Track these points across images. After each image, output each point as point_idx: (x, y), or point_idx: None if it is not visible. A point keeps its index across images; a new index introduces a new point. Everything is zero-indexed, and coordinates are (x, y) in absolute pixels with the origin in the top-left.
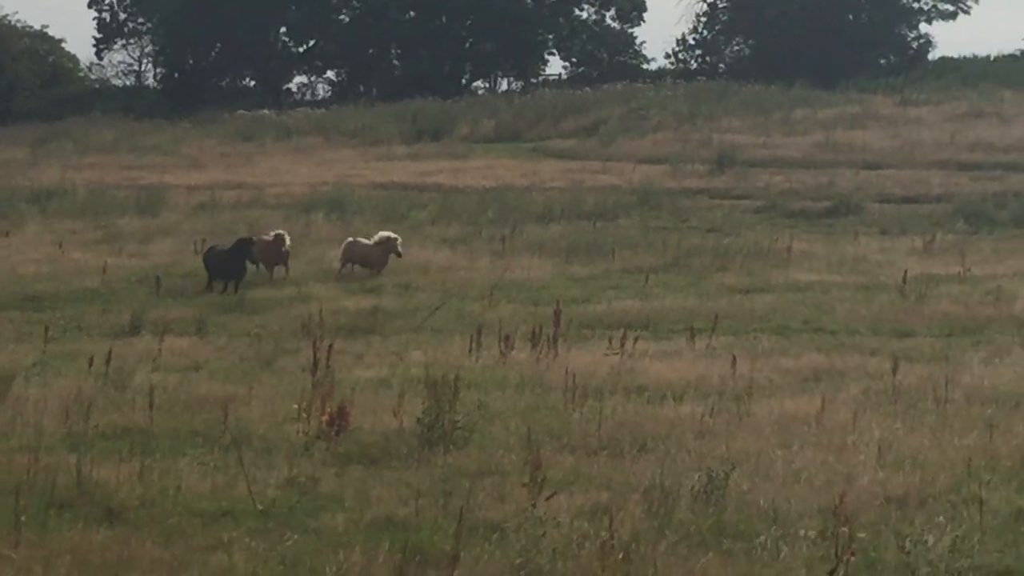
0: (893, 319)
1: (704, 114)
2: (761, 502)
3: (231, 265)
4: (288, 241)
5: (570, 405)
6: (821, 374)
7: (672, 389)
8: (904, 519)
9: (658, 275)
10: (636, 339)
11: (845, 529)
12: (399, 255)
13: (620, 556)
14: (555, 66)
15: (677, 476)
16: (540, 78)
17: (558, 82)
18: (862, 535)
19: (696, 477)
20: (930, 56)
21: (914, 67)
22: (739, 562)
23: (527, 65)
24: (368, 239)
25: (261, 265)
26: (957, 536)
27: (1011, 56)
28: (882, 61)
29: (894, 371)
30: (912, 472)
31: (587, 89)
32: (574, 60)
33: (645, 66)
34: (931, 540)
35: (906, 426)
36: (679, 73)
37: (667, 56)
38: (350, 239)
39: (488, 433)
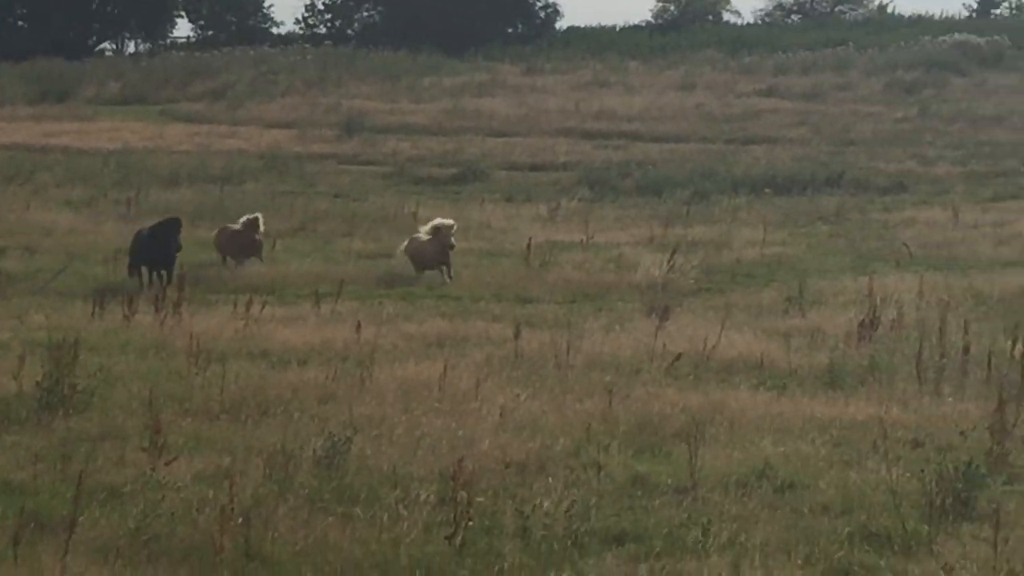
0: (517, 285)
1: (333, 80)
2: (383, 467)
3: (155, 251)
4: (262, 227)
5: (193, 369)
6: (445, 340)
7: (296, 354)
8: (523, 484)
9: (285, 240)
10: (263, 304)
11: (464, 494)
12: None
13: (240, 520)
14: (183, 29)
15: (300, 440)
16: (168, 40)
17: (186, 45)
18: (481, 499)
19: (318, 442)
20: (557, 26)
21: (541, 36)
22: (360, 526)
23: (155, 27)
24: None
25: (229, 258)
26: (575, 500)
27: (636, 27)
28: (510, 30)
29: (516, 337)
30: (532, 437)
31: (216, 52)
32: (203, 23)
33: (275, 30)
34: (549, 504)
35: (527, 392)
36: (309, 38)
37: (297, 21)
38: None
39: (109, 397)
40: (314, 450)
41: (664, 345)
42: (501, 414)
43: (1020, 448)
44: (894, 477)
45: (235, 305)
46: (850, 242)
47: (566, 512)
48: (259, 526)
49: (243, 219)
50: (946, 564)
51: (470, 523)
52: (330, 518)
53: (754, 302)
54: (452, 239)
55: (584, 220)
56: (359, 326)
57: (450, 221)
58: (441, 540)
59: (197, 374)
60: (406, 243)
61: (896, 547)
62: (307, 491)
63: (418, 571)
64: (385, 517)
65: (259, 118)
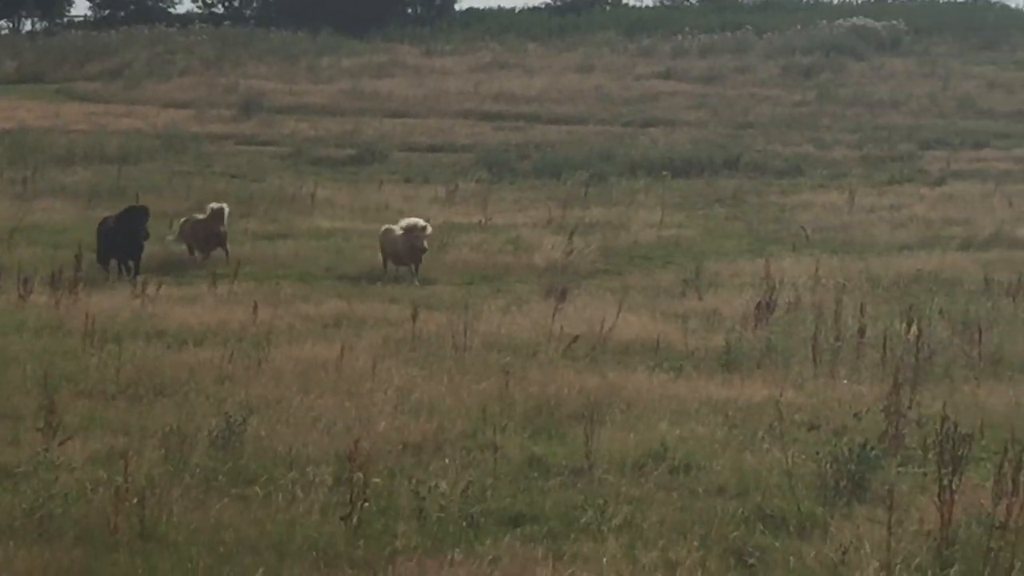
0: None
1: (231, 60)
2: (279, 447)
3: (121, 241)
4: (227, 216)
5: (89, 350)
6: (342, 321)
7: (193, 334)
8: (419, 465)
9: (182, 220)
10: (159, 285)
11: (360, 475)
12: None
13: (135, 501)
14: (81, 7)
15: (196, 421)
16: (65, 19)
17: (83, 23)
18: (377, 480)
19: (214, 422)
20: (456, 7)
21: (441, 17)
22: (255, 507)
23: (52, 5)
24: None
25: (195, 250)
26: (471, 481)
27: (535, 9)
28: (409, 11)
29: (414, 318)
30: (429, 418)
31: (113, 32)
32: (100, 2)
33: (172, 10)
34: (445, 485)
35: (424, 373)
36: (207, 18)
37: (195, 1)
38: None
39: (3, 377)
40: (210, 431)
41: (561, 327)
42: (398, 395)
43: (914, 430)
44: (789, 459)
45: (132, 285)
46: (747, 225)
47: (462, 493)
48: (154, 507)
49: (209, 207)
50: (840, 545)
51: (366, 504)
52: (225, 499)
53: (651, 284)
54: (424, 242)
55: (483, 202)
56: (256, 307)
57: (423, 223)
58: (337, 521)
59: (93, 354)
60: (382, 231)
61: (791, 529)
62: (203, 472)
63: (313, 552)
64: (281, 498)
65: (156, 98)
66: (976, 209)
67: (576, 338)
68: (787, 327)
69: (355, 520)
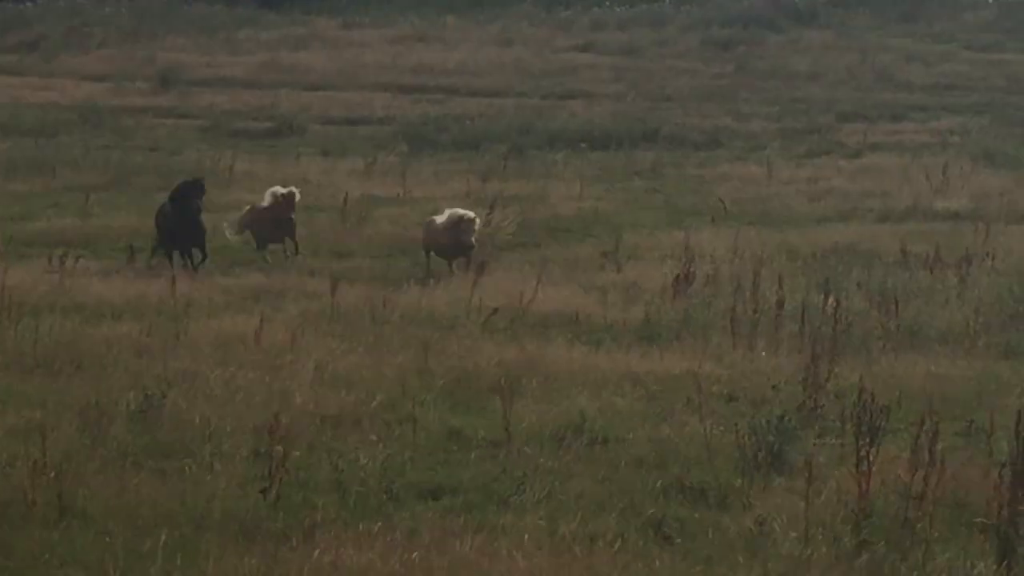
0: (333, 240)
1: (148, 32)
2: (197, 421)
3: (175, 225)
4: (297, 199)
5: (5, 323)
6: (261, 294)
7: (111, 308)
8: (338, 438)
9: (99, 194)
10: (77, 258)
11: (279, 448)
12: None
13: (52, 475)
14: None
15: (113, 395)
16: None
17: None
18: (296, 454)
19: (132, 396)
20: None
21: None
22: (173, 481)
23: None
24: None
25: (261, 239)
26: (390, 454)
27: None
28: None
29: (333, 291)
30: (348, 391)
31: (29, 4)
32: None
33: None
34: (364, 458)
35: (343, 346)
36: None
37: None
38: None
39: None
40: (128, 404)
41: (480, 299)
42: (317, 368)
43: (832, 402)
44: (708, 431)
45: (49, 259)
46: (666, 197)
47: (381, 466)
48: (72, 481)
49: (270, 193)
50: (759, 517)
51: (285, 477)
52: (143, 473)
53: (570, 257)
54: (472, 236)
55: (401, 175)
56: (174, 280)
57: (470, 214)
58: (255, 494)
59: (9, 328)
60: (425, 222)
61: (710, 500)
62: (120, 446)
63: (232, 525)
64: (199, 471)
65: (74, 71)
66: (894, 181)
67: (495, 311)
68: (706, 299)
69: (274, 493)
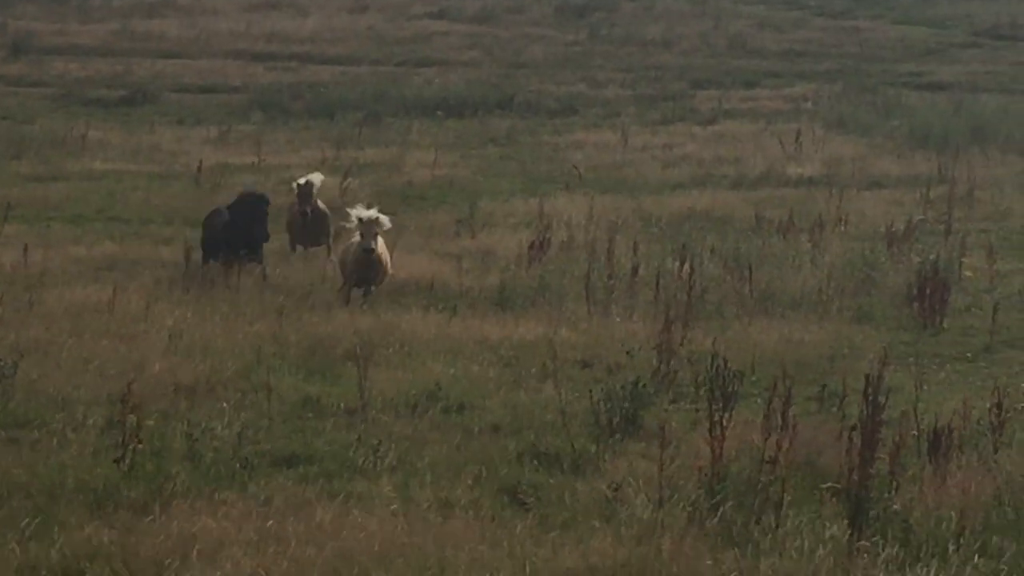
0: (187, 208)
1: None
2: (50, 390)
3: (237, 236)
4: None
5: None
6: (115, 263)
7: None
8: (193, 406)
9: None
10: None
11: (133, 417)
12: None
13: None
14: None
15: None
16: None
17: None
18: (150, 422)
19: None
20: None
21: None
22: (26, 450)
23: None
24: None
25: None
26: (244, 423)
27: None
28: None
29: (187, 260)
30: (202, 360)
31: None
32: None
33: None
34: (218, 427)
35: (198, 314)
36: None
37: None
38: None
39: None
40: None
41: (335, 267)
42: (171, 337)
43: (686, 367)
44: (563, 397)
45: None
46: (521, 164)
47: (236, 434)
48: None
49: (295, 184)
50: (613, 481)
51: (139, 446)
52: None
53: (425, 224)
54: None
55: (256, 143)
56: (26, 249)
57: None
58: (110, 463)
59: None
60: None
61: (565, 466)
62: None
63: (86, 495)
64: (53, 441)
65: None
66: (747, 148)
67: None
68: (561, 266)
69: (128, 462)
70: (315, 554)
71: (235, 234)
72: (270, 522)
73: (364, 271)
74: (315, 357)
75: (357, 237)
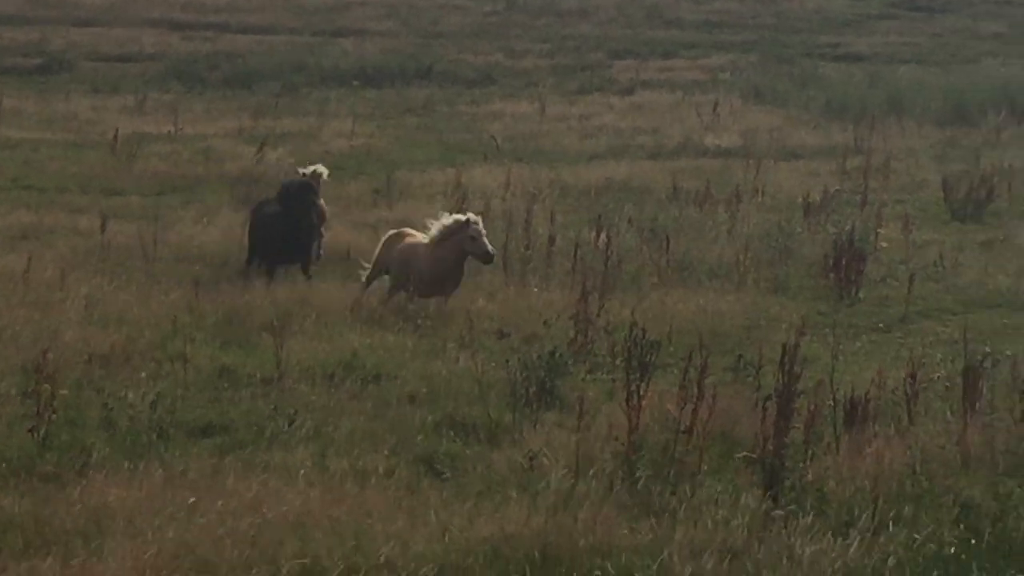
0: (103, 177)
1: None
2: None
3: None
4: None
5: None
6: (29, 232)
7: None
8: (108, 376)
9: None
10: None
11: (48, 387)
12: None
13: None
14: None
15: None
16: None
17: None
18: (65, 392)
19: None
20: None
21: None
22: None
23: None
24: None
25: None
26: (160, 392)
27: None
28: None
29: (103, 229)
30: (118, 329)
31: None
32: None
33: None
34: (134, 396)
35: (114, 284)
36: None
37: None
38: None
39: None
40: None
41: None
42: (86, 306)
43: (602, 337)
44: (480, 367)
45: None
46: (438, 134)
47: (152, 404)
48: None
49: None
50: (530, 452)
51: (54, 416)
52: None
53: (343, 194)
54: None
55: (173, 112)
56: None
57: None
58: (24, 433)
59: None
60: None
61: (481, 436)
62: None
63: (0, 465)
64: None
65: None
66: (664, 119)
67: None
68: None
69: (43, 432)
70: (232, 524)
71: (289, 231)
72: (186, 492)
73: (452, 281)
74: (231, 327)
75: (468, 243)
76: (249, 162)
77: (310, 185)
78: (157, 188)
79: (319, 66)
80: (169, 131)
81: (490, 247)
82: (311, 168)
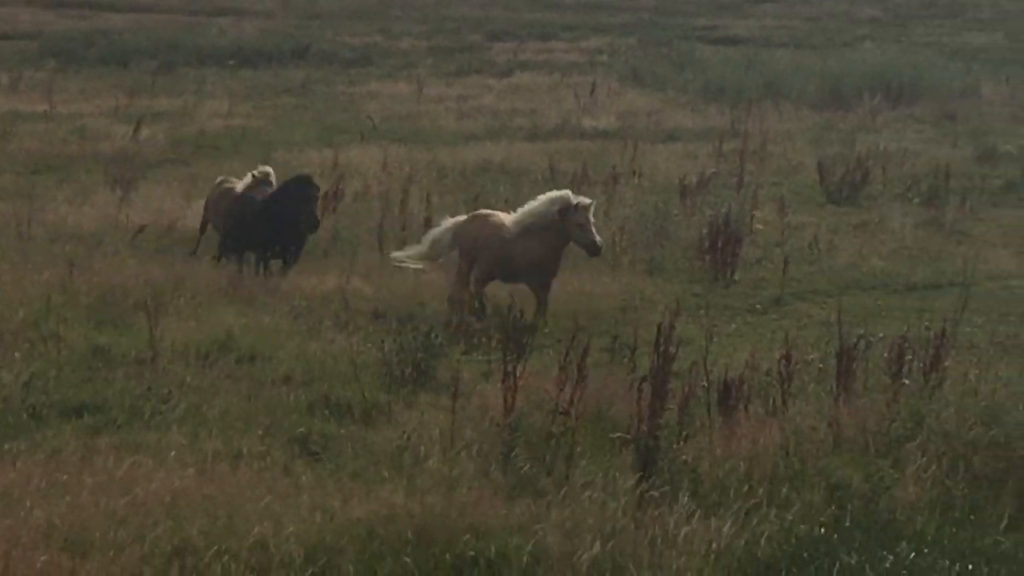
0: None
1: None
2: None
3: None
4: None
5: None
6: None
7: None
8: None
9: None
10: None
11: None
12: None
13: None
14: None
15: None
16: None
17: None
18: None
19: None
20: None
21: None
22: None
23: None
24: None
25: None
26: (33, 372)
27: None
28: None
29: None
30: None
31: None
32: None
33: None
34: (6, 376)
35: None
36: None
37: None
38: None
39: None
40: None
41: (128, 217)
42: None
43: (479, 318)
44: (355, 348)
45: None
46: (315, 115)
47: (24, 384)
48: None
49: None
50: (404, 432)
51: None
52: None
53: (218, 174)
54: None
55: (48, 90)
56: None
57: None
58: None
59: None
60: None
61: (356, 416)
62: None
63: None
64: None
65: None
66: (542, 100)
67: (143, 228)
68: (354, 216)
69: None
70: (106, 504)
71: (273, 225)
72: (60, 472)
73: (550, 272)
74: (106, 307)
75: (576, 230)
76: (124, 141)
77: (310, 177)
78: (31, 167)
79: (196, 45)
80: (44, 110)
81: (598, 237)
82: (259, 170)
